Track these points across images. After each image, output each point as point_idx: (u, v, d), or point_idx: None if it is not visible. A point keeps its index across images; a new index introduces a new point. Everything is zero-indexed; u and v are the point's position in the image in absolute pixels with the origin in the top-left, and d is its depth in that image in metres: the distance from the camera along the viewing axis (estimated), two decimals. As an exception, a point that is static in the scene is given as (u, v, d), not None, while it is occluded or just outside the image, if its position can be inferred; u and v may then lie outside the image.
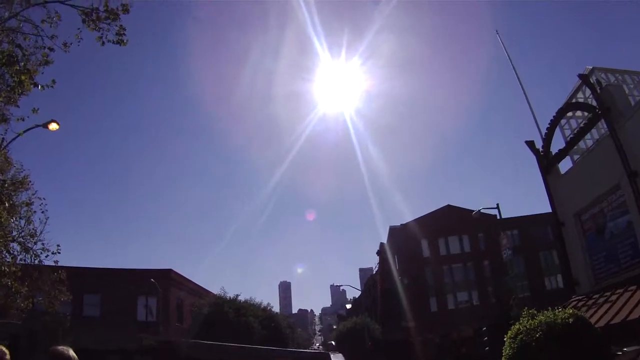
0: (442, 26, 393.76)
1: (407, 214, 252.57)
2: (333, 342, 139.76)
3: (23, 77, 16.63)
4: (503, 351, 17.42)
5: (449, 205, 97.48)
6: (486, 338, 40.00)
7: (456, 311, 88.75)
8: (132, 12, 16.04)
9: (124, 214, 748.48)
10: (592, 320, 18.35)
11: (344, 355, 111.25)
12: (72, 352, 5.67)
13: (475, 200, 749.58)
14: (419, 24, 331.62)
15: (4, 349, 5.56)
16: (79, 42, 15.93)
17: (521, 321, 17.27)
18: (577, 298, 25.72)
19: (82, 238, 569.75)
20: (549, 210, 30.74)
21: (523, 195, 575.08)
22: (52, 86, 17.12)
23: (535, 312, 17.46)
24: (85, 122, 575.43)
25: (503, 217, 53.02)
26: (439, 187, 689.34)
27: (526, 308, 17.98)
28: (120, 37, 16.24)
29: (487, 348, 39.43)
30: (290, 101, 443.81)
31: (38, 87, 17.06)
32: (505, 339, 17.62)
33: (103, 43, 15.99)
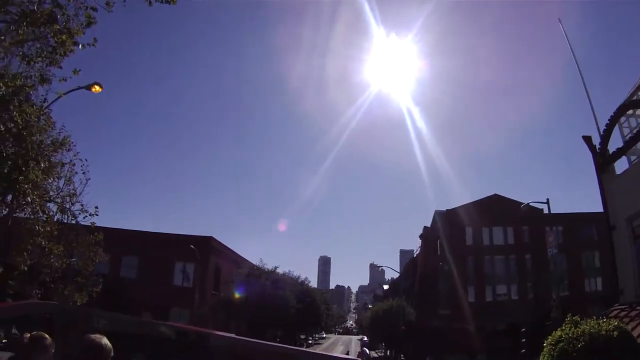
0: (503, 11, 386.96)
1: (454, 200, 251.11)
2: (366, 343, 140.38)
3: (64, 37, 16.64)
4: (541, 357, 16.55)
5: (496, 195, 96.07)
6: (524, 340, 39.06)
7: (493, 303, 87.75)
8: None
9: (170, 180, 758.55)
10: (635, 333, 17.47)
11: (376, 336, 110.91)
12: (105, 340, 5.57)
13: (523, 192, 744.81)
14: (478, 7, 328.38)
15: (44, 334, 5.76)
16: (124, 1, 15.41)
17: (563, 328, 16.39)
18: (619, 307, 24.62)
19: (124, 202, 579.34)
20: (596, 209, 29.88)
21: (572, 193, 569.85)
22: (94, 45, 16.94)
23: (579, 319, 16.67)
24: (130, 85, 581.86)
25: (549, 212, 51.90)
26: (489, 175, 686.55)
27: (570, 315, 17.06)
28: None
29: (523, 351, 38.57)
30: (345, 78, 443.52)
31: (79, 46, 16.80)
32: (544, 344, 16.75)
33: (150, 3, 15.45)
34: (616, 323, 15.98)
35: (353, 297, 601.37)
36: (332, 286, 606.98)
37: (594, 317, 16.63)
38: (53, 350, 5.89)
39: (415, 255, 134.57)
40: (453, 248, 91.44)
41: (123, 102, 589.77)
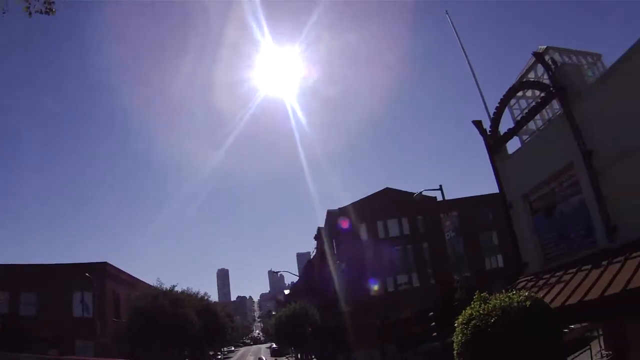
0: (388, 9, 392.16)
1: (345, 198, 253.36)
2: (275, 345, 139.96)
3: None
4: (454, 337, 16.58)
5: (387, 188, 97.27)
6: (433, 324, 39.40)
7: (396, 293, 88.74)
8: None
9: (54, 208, 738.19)
10: (546, 301, 17.62)
11: (284, 341, 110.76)
12: None
13: (414, 183, 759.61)
14: (361, 7, 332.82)
15: None
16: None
17: (473, 305, 16.48)
18: (525, 278, 25.40)
19: (13, 234, 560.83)
20: (488, 192, 30.38)
21: (462, 178, 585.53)
22: None
23: (487, 295, 16.64)
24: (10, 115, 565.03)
25: (442, 199, 52.75)
26: (378, 170, 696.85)
27: (478, 292, 17.03)
28: (49, 7, 14.82)
29: (434, 334, 38.88)
30: (231, 88, 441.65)
31: None
32: (455, 324, 16.77)
33: (30, 14, 14.59)
34: (527, 293, 16.12)
35: (256, 306, 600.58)
36: (233, 298, 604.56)
37: (503, 292, 16.74)
38: None
39: (312, 257, 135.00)
40: (349, 245, 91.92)
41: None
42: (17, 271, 64.36)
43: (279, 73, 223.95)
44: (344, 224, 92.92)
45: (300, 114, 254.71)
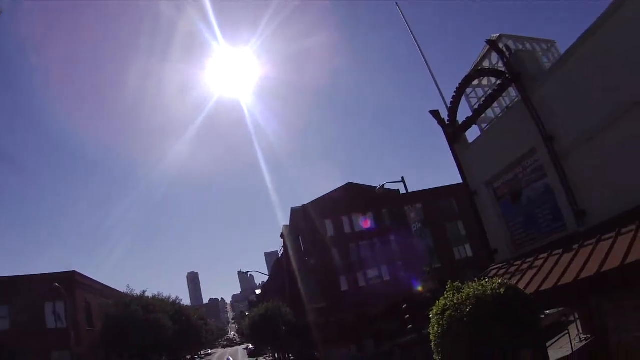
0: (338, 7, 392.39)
1: (308, 195, 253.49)
2: (251, 346, 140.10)
3: None
4: (430, 329, 16.31)
5: (349, 183, 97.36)
6: (408, 316, 39.45)
7: (368, 288, 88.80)
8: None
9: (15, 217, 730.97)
10: (520, 287, 17.75)
11: (259, 342, 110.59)
12: None
13: (375, 177, 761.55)
14: (312, 6, 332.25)
15: None
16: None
17: (446, 295, 16.37)
18: (497, 266, 25.51)
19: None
20: (451, 182, 30.58)
21: (423, 170, 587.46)
22: None
23: (460, 284, 16.67)
24: None
25: (405, 192, 52.88)
26: (339, 166, 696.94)
27: (450, 281, 17.01)
28: None
29: (410, 326, 38.91)
30: (185, 89, 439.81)
31: None
32: (430, 315, 16.58)
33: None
34: (500, 280, 16.12)
35: (229, 307, 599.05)
36: (205, 300, 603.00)
37: (475, 280, 16.65)
38: None
39: (280, 256, 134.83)
40: (315, 242, 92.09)
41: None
42: None
43: (233, 73, 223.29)
44: (309, 221, 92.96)
45: (257, 113, 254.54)
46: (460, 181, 29.97)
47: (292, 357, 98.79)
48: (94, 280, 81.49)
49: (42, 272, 69.34)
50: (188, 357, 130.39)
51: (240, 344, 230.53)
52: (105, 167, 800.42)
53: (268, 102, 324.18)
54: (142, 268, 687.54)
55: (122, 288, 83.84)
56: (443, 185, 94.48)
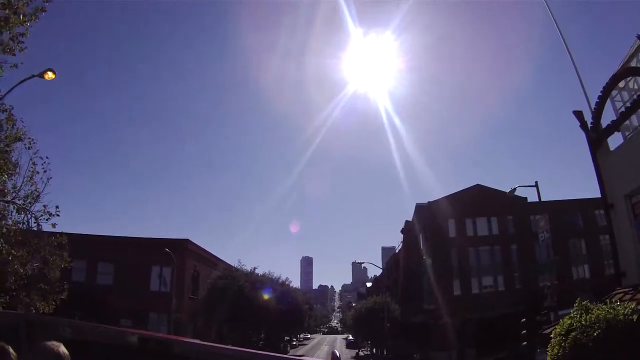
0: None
1: (435, 193, 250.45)
2: (351, 337, 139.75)
3: (7, 12, 16.89)
4: (549, 349, 14.52)
5: (478, 185, 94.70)
6: (525, 331, 36.91)
7: (480, 295, 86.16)
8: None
9: (138, 178, 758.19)
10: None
11: (361, 334, 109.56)
12: (62, 349, 4.92)
13: (504, 183, 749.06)
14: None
15: (6, 347, 4.99)
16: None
17: (573, 315, 14.38)
18: (622, 290, 22.81)
19: (94, 205, 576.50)
20: (581, 196, 28.15)
21: (554, 181, 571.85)
22: (43, 11, 16.51)
23: (590, 304, 14.62)
24: (91, 78, 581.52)
25: (532, 201, 50.42)
26: (469, 166, 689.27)
27: (579, 299, 15.00)
28: None
29: (524, 343, 36.40)
30: (322, 78, 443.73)
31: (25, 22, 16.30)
32: (551, 335, 14.79)
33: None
34: (633, 306, 14.00)
35: (337, 296, 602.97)
36: (315, 286, 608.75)
37: (607, 302, 14.68)
38: None
39: (397, 251, 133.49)
40: (436, 241, 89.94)
41: (85, 98, 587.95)
42: (95, 242, 66.08)
43: (369, 64, 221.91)
44: (433, 219, 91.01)
45: (389, 106, 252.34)
46: (588, 197, 27.80)
47: (389, 356, 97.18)
48: (206, 251, 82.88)
49: (155, 237, 70.60)
50: (287, 338, 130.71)
51: (340, 334, 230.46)
52: (244, 148, 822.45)
53: (403, 94, 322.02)
54: (258, 246, 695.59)
55: (233, 262, 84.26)
56: (570, 198, 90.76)
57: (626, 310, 13.44)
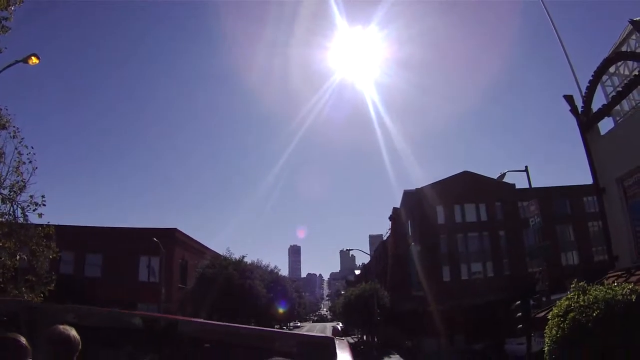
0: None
1: (423, 180, 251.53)
2: (339, 327, 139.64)
3: None
4: (547, 331, 14.42)
5: (466, 172, 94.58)
6: (519, 314, 36.84)
7: (469, 282, 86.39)
8: None
9: (126, 169, 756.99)
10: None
11: (350, 322, 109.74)
12: (73, 332, 5.09)
13: (492, 170, 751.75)
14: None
15: (18, 337, 5.01)
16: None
17: (570, 296, 14.29)
18: (615, 273, 22.92)
19: (81, 196, 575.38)
20: (568, 183, 28.12)
21: (541, 168, 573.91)
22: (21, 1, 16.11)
23: (586, 285, 14.50)
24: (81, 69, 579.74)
25: (520, 187, 50.46)
26: (456, 153, 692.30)
27: (575, 280, 14.90)
28: None
29: (520, 326, 36.33)
30: (308, 69, 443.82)
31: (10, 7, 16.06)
32: (548, 317, 14.72)
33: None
34: (631, 287, 13.91)
35: (325, 284, 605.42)
36: (303, 274, 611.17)
37: (604, 283, 14.77)
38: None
39: (385, 238, 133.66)
40: (424, 227, 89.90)
41: (72, 89, 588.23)
42: (83, 233, 66.18)
43: (356, 55, 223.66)
44: (421, 206, 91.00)
45: (376, 95, 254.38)
46: (576, 183, 27.80)
47: (379, 342, 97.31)
48: (195, 240, 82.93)
49: (142, 227, 70.59)
50: (277, 326, 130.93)
51: (330, 321, 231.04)
52: (230, 137, 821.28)
53: (388, 83, 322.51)
54: (246, 235, 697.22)
55: (221, 251, 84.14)
56: (558, 184, 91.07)
57: (624, 290, 13.37)
